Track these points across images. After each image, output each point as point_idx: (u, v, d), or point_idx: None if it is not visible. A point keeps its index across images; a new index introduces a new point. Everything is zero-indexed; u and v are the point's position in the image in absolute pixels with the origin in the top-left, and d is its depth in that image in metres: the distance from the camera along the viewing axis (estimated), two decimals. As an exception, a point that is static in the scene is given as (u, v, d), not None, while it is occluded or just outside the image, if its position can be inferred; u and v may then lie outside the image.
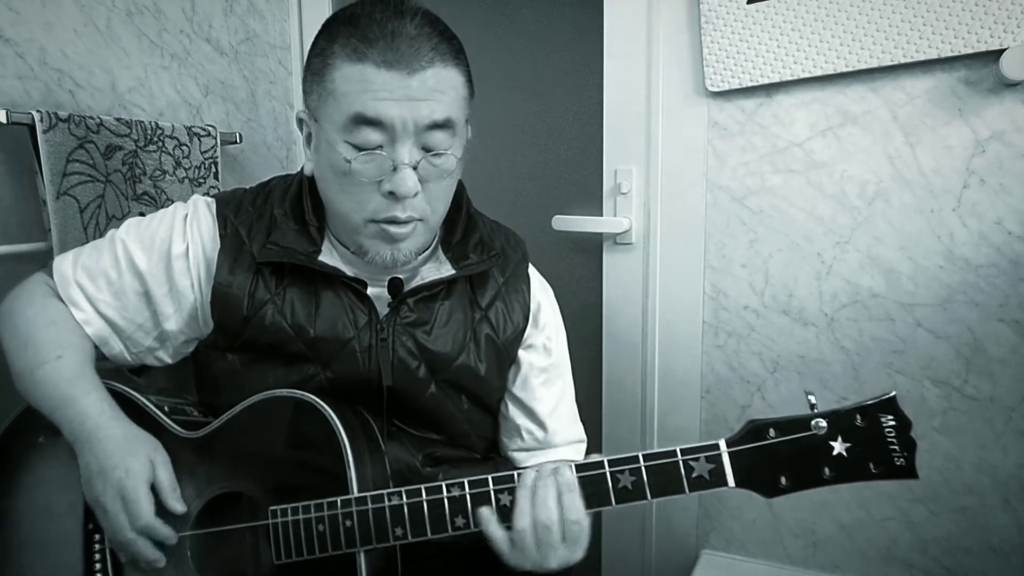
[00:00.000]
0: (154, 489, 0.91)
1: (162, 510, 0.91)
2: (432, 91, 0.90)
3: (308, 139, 1.00)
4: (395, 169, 0.90)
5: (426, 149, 0.92)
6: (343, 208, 0.96)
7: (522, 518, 0.85)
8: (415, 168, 0.91)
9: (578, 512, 0.84)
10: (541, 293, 1.15)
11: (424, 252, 1.07)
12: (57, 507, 0.99)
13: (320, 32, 0.95)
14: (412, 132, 0.90)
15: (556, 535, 0.84)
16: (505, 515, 0.86)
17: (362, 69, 0.88)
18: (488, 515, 0.86)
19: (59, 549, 0.98)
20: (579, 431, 1.19)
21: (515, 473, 0.86)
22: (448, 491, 0.87)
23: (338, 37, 0.91)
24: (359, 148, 0.90)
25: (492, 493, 0.86)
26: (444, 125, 0.92)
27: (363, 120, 0.89)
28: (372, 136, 0.90)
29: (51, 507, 0.99)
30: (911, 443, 0.80)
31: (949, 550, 1.37)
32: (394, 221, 0.93)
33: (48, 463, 1.00)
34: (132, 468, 0.89)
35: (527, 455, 1.14)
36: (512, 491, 0.86)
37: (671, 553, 1.62)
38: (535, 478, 0.86)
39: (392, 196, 0.92)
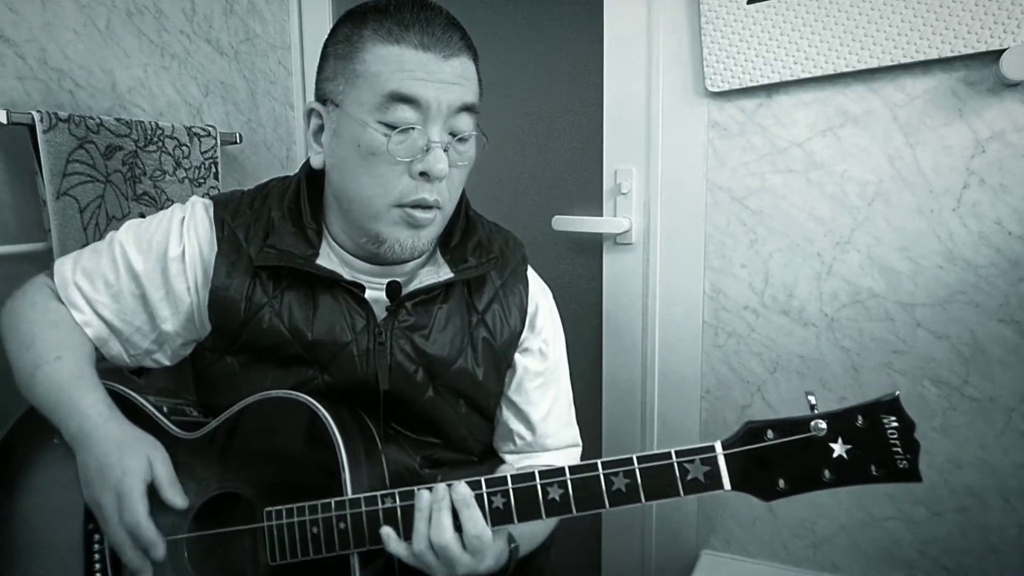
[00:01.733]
0: (153, 488, 0.91)
1: (163, 509, 0.91)
2: (461, 77, 0.94)
3: (318, 131, 1.01)
4: (428, 149, 0.92)
5: (453, 134, 0.95)
6: (365, 193, 0.95)
7: (419, 541, 0.85)
8: (445, 151, 0.94)
9: (477, 527, 0.85)
10: (539, 296, 1.14)
11: (423, 255, 1.07)
12: (59, 507, 0.99)
13: (343, 21, 0.98)
14: (444, 114, 0.93)
15: (456, 551, 0.85)
16: (497, 518, 0.86)
17: (399, 50, 0.91)
18: (388, 534, 0.87)
19: (60, 550, 0.98)
20: (573, 435, 1.18)
21: (507, 475, 0.86)
22: None
23: (368, 23, 0.94)
24: (392, 127, 0.92)
25: (485, 496, 0.86)
26: (471, 109, 0.96)
27: (399, 98, 0.91)
28: (407, 114, 0.92)
29: (53, 508, 1.00)
30: (914, 445, 0.78)
31: (949, 550, 1.36)
32: (421, 204, 0.95)
33: (54, 464, 1.00)
34: (129, 466, 0.89)
35: (518, 457, 1.13)
36: (505, 493, 0.86)
37: (671, 553, 1.61)
38: (430, 500, 0.86)
39: (423, 177, 0.93)
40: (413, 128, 0.92)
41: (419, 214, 0.95)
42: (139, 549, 0.90)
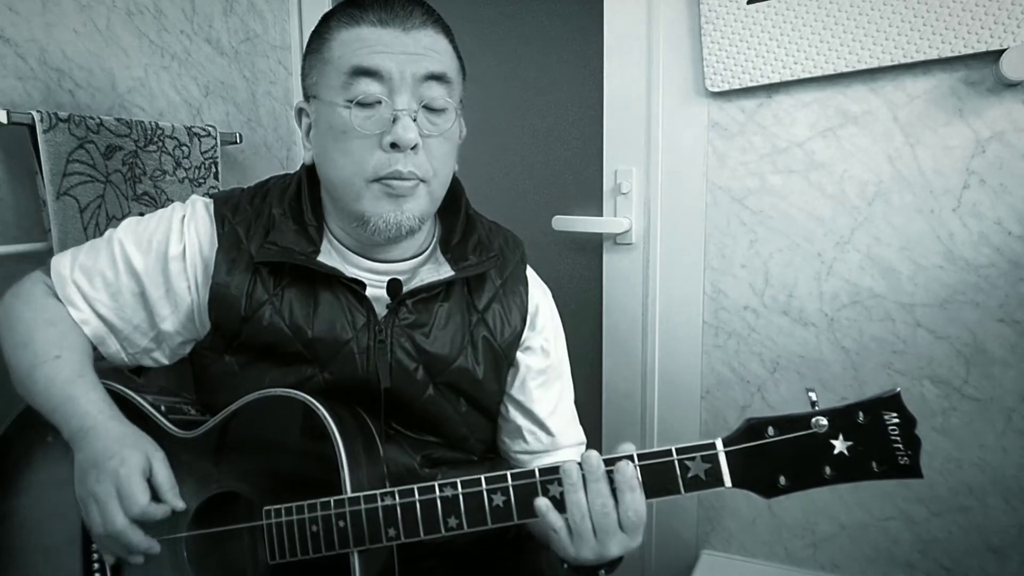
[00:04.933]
0: (152, 488, 0.90)
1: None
2: (427, 48, 0.95)
3: (308, 130, 1.02)
4: (395, 120, 0.92)
5: (425, 106, 0.95)
6: (343, 173, 0.96)
7: (577, 511, 0.82)
8: (415, 120, 0.93)
9: (636, 509, 0.82)
10: (539, 295, 1.14)
11: (424, 252, 1.07)
12: (57, 507, 0.99)
13: (318, 22, 1.01)
14: (410, 83, 0.93)
15: (614, 522, 0.82)
16: (497, 516, 0.85)
17: (358, 30, 0.93)
18: (546, 506, 0.83)
19: (58, 548, 0.98)
20: (579, 433, 1.18)
21: (508, 473, 0.85)
22: (441, 491, 0.86)
23: (334, 15, 0.97)
24: (359, 103, 0.93)
25: (485, 493, 0.86)
26: (441, 78, 0.96)
27: (360, 71, 0.92)
28: (371, 88, 0.92)
29: (52, 507, 0.99)
30: (915, 441, 0.77)
31: (949, 550, 1.36)
32: (396, 176, 0.94)
33: (50, 463, 1.00)
34: (128, 458, 0.88)
35: (531, 457, 1.13)
36: (506, 491, 0.85)
37: (671, 553, 1.61)
38: (579, 473, 0.83)
39: (394, 148, 0.93)
40: (379, 101, 0.93)
41: (396, 183, 0.95)
42: (144, 534, 0.89)
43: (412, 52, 0.93)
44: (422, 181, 0.96)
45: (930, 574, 1.39)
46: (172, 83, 1.69)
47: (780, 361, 1.46)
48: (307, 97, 1.01)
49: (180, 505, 0.91)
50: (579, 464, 0.84)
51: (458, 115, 1.01)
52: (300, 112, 1.03)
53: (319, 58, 0.97)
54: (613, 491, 0.82)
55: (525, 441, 1.13)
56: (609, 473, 0.83)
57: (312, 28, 1.01)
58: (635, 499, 0.82)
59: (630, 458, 0.83)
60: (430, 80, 0.94)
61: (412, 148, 0.93)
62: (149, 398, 1.03)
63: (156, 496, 0.90)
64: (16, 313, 1.02)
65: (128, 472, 0.87)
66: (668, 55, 1.49)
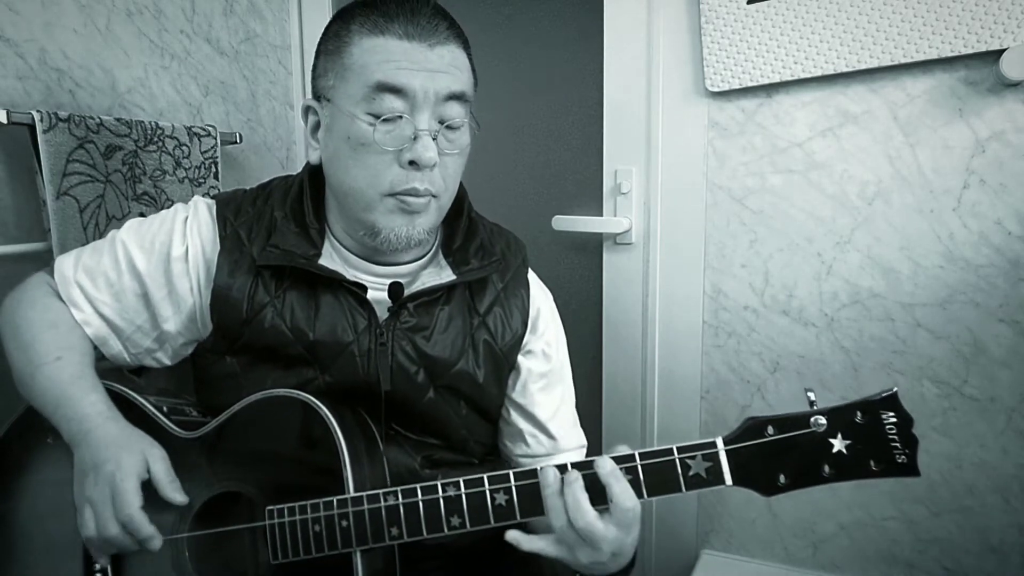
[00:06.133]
0: (150, 485, 0.90)
1: (163, 508, 0.90)
2: (449, 65, 0.94)
3: (315, 128, 1.01)
4: (416, 138, 0.92)
5: (442, 122, 0.95)
6: (358, 184, 0.95)
7: (558, 518, 0.82)
8: (434, 139, 0.93)
9: (628, 500, 0.81)
10: (540, 298, 1.14)
11: (426, 256, 1.07)
12: (58, 508, 0.98)
13: (334, 18, 1.00)
14: (432, 102, 0.93)
15: (600, 529, 0.81)
16: (500, 515, 0.86)
17: (384, 41, 0.92)
18: (518, 536, 0.85)
19: (60, 550, 0.98)
20: (581, 437, 1.18)
21: (510, 473, 0.85)
22: (444, 491, 0.87)
23: (355, 17, 0.95)
24: (380, 117, 0.92)
25: (488, 492, 0.86)
26: (460, 97, 0.96)
27: (385, 88, 0.91)
28: (394, 104, 0.92)
29: (53, 508, 0.99)
30: (913, 440, 0.78)
31: (949, 550, 1.36)
32: (413, 193, 0.94)
33: (50, 464, 1.00)
34: (124, 462, 0.88)
35: (533, 461, 1.13)
36: (508, 491, 0.85)
37: (671, 553, 1.61)
38: (556, 476, 0.83)
39: (412, 166, 0.93)
40: (400, 117, 0.92)
41: (412, 200, 0.95)
42: (134, 542, 0.89)
43: (435, 69, 0.93)
44: (434, 197, 0.97)
45: (930, 574, 1.39)
46: (172, 83, 1.69)
47: (780, 361, 1.46)
48: (318, 97, 1.00)
49: (180, 499, 0.91)
50: (557, 467, 0.84)
51: (475, 133, 1.01)
52: (307, 110, 1.02)
53: (338, 62, 0.95)
54: (600, 492, 0.82)
55: (527, 445, 1.13)
56: (591, 476, 0.83)
57: (313, 26, 1.01)
58: (624, 489, 0.82)
59: (631, 457, 0.83)
60: (451, 100, 0.95)
61: (430, 167, 0.94)
62: (151, 399, 1.03)
63: (156, 494, 0.90)
64: (19, 315, 1.02)
65: (123, 476, 0.87)
66: (668, 55, 1.49)
